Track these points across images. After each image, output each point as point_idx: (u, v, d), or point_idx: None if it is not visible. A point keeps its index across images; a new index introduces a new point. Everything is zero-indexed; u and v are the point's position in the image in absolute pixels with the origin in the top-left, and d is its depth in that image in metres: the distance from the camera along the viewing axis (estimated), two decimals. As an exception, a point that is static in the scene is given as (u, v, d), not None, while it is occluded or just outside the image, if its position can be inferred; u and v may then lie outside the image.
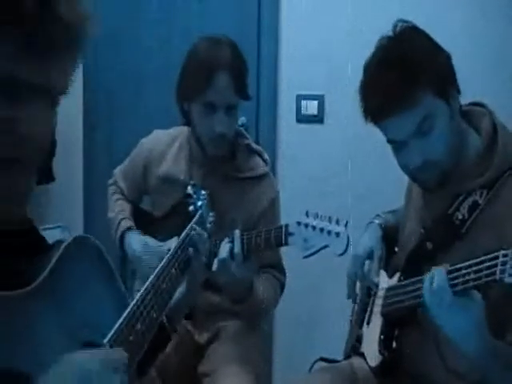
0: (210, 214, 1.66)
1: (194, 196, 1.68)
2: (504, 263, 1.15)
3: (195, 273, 1.36)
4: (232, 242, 1.71)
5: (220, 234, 1.77)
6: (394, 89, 1.38)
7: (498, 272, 1.17)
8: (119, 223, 2.02)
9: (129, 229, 2.01)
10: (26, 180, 0.86)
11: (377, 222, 1.75)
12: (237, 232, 1.72)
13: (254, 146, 2.02)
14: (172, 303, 1.29)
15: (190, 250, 1.35)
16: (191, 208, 1.65)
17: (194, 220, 1.49)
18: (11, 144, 0.82)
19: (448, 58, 1.46)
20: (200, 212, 1.55)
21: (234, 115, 1.87)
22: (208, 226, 1.64)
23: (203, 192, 1.69)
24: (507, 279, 1.15)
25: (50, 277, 0.86)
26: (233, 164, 1.94)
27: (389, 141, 1.48)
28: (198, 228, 1.41)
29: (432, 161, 1.43)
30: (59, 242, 0.93)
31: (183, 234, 1.38)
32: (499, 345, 1.30)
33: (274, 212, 1.98)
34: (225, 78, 1.78)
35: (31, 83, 0.82)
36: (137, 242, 1.96)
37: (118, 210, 2.07)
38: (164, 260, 1.26)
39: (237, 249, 1.69)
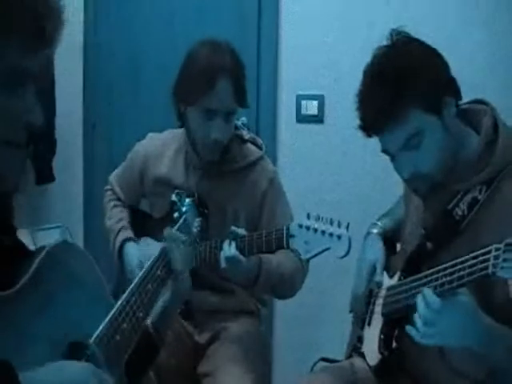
0: (196, 220, 1.66)
1: (179, 203, 1.69)
2: (496, 257, 1.16)
3: (179, 280, 1.35)
4: (234, 239, 1.71)
5: (224, 229, 1.77)
6: (383, 106, 1.40)
7: (490, 266, 1.17)
8: (118, 233, 2.02)
9: (128, 240, 2.00)
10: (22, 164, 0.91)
11: (375, 231, 1.76)
12: (226, 242, 1.72)
13: (246, 134, 2.01)
14: (157, 312, 1.30)
15: (174, 263, 1.34)
16: (176, 215, 1.66)
17: (178, 225, 1.49)
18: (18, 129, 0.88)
19: (444, 64, 1.46)
20: (184, 217, 1.56)
21: (231, 122, 1.87)
22: (194, 231, 1.65)
23: (187, 200, 1.69)
24: (499, 273, 1.15)
25: (33, 279, 0.87)
26: (226, 158, 1.94)
27: (382, 151, 1.51)
28: (176, 234, 1.41)
29: (421, 173, 1.45)
30: (42, 247, 0.94)
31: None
32: (499, 327, 1.31)
33: (275, 191, 1.97)
34: (226, 84, 1.78)
35: (29, 72, 0.88)
36: (134, 258, 1.96)
37: (117, 218, 2.07)
38: (149, 262, 1.28)
39: (233, 250, 1.69)
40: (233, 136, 1.95)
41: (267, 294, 2.01)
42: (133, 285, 1.17)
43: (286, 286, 1.89)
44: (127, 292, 1.14)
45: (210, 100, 1.78)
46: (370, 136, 1.49)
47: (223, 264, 1.70)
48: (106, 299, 1.08)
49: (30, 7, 0.84)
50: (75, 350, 0.93)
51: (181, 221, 1.53)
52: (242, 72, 1.85)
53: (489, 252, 1.18)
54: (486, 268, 1.18)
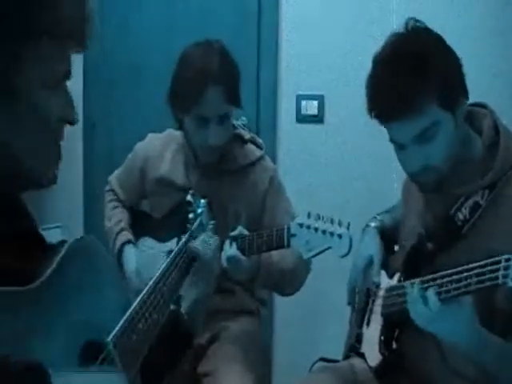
0: (211, 222, 1.66)
1: (194, 204, 1.70)
2: (507, 267, 1.15)
3: (206, 265, 1.37)
4: (235, 240, 1.72)
5: (225, 229, 1.77)
6: (401, 94, 1.37)
7: (500, 276, 1.17)
8: (116, 236, 2.01)
9: (127, 243, 1.99)
10: None
11: (373, 225, 1.75)
12: (227, 241, 1.72)
13: (246, 134, 2.01)
14: (189, 304, 1.33)
15: (194, 247, 1.37)
16: (191, 215, 1.66)
17: (194, 226, 1.50)
18: None
19: (458, 63, 1.44)
20: (200, 219, 1.56)
21: (226, 124, 1.86)
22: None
23: (202, 200, 1.70)
24: (510, 283, 1.15)
25: (54, 275, 0.87)
26: (226, 157, 1.94)
27: (391, 140, 1.49)
28: (202, 236, 1.44)
29: (431, 166, 1.44)
30: (63, 241, 0.94)
31: (183, 240, 1.40)
32: (492, 338, 1.32)
33: (275, 189, 1.97)
34: (215, 90, 1.77)
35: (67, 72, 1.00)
36: (131, 265, 1.95)
37: (116, 220, 2.06)
38: (166, 263, 1.28)
39: (233, 250, 1.70)
40: (233, 136, 1.95)
41: (269, 289, 2.00)
42: (149, 286, 1.18)
43: (287, 280, 1.89)
44: (143, 292, 1.14)
45: (202, 108, 1.79)
46: (381, 123, 1.46)
47: (224, 264, 1.71)
48: (123, 297, 1.08)
49: (71, 10, 0.89)
50: (92, 349, 0.93)
51: (197, 222, 1.53)
52: (233, 72, 1.84)
53: (498, 262, 1.18)
54: (496, 278, 1.18)
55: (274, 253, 1.80)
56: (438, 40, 1.45)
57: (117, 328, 0.99)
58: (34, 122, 0.90)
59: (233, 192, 1.93)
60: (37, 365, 0.77)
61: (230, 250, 1.70)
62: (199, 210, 1.66)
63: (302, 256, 1.80)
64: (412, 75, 1.37)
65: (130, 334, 1.02)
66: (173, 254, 1.33)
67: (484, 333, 1.31)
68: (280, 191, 1.99)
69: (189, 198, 1.70)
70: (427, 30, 1.46)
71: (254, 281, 1.80)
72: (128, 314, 1.04)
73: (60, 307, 0.88)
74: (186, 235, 1.43)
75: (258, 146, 2.01)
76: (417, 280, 1.39)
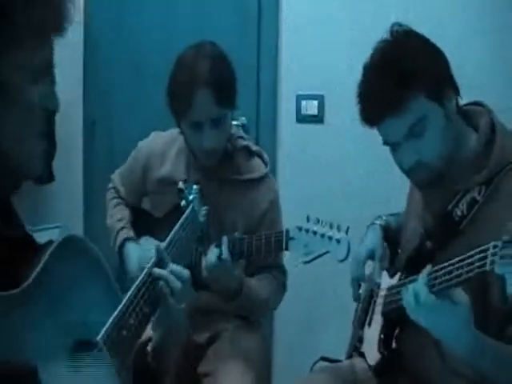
0: (203, 208, 1.65)
1: (186, 191, 1.68)
2: (494, 254, 1.16)
3: (169, 313, 1.23)
4: (219, 246, 1.71)
5: (221, 234, 1.77)
6: (385, 94, 1.41)
7: (488, 263, 1.17)
8: (118, 233, 2.02)
9: (127, 239, 2.00)
10: None
11: (378, 222, 1.76)
12: (225, 238, 1.72)
13: (253, 147, 2.02)
14: (156, 342, 1.23)
15: (160, 287, 1.21)
16: (183, 203, 1.65)
17: (186, 214, 1.49)
18: None
19: (444, 60, 1.47)
20: (191, 206, 1.55)
21: (222, 127, 1.84)
22: (201, 219, 1.64)
23: (195, 186, 1.68)
24: (497, 270, 1.15)
25: (41, 276, 0.87)
26: (231, 166, 1.94)
27: (384, 142, 1.51)
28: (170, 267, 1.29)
29: (425, 161, 1.46)
30: (50, 242, 0.94)
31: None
32: (490, 342, 1.32)
33: (274, 213, 1.97)
34: (204, 94, 1.76)
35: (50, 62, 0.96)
36: (134, 261, 1.95)
37: (117, 217, 2.07)
38: (156, 256, 1.27)
39: (225, 254, 1.69)
40: (239, 145, 1.96)
41: (243, 312, 2.00)
42: (139, 280, 1.16)
43: (257, 307, 1.93)
44: (133, 287, 1.13)
45: (193, 113, 1.78)
46: (371, 126, 1.49)
47: (203, 271, 1.72)
48: (114, 294, 1.07)
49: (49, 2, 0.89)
50: (82, 348, 0.93)
51: (188, 209, 1.52)
52: (224, 75, 1.82)
53: (487, 249, 1.19)
54: (484, 265, 1.18)
55: (255, 284, 1.86)
56: (422, 41, 1.48)
57: (107, 325, 0.98)
58: (17, 112, 0.88)
59: (232, 200, 1.92)
60: (23, 365, 0.77)
61: (211, 258, 1.70)
62: (191, 197, 1.64)
63: (284, 281, 1.96)
64: (394, 76, 1.41)
65: (120, 330, 1.02)
66: (165, 246, 1.32)
67: (481, 337, 1.31)
68: (279, 215, 2.00)
69: (180, 185, 1.69)
70: (411, 33, 1.50)
71: (236, 297, 1.81)
72: (118, 310, 1.03)
73: (49, 307, 0.88)
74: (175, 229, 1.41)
75: (264, 162, 2.01)
76: (416, 276, 1.39)
